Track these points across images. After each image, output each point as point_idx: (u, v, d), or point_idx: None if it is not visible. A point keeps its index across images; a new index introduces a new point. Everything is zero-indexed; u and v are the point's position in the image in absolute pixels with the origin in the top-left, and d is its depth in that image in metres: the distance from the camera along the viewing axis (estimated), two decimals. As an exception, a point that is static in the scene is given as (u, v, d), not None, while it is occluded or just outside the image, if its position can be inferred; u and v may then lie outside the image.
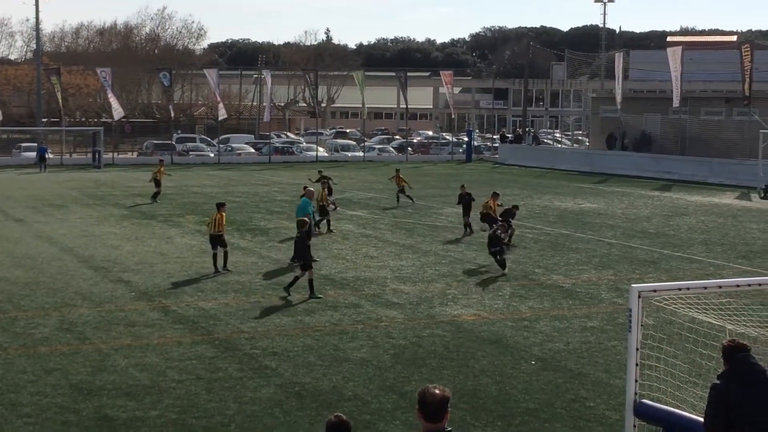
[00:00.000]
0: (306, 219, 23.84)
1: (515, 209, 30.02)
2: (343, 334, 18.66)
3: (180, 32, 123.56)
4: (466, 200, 32.81)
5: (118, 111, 72.15)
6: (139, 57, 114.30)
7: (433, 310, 20.87)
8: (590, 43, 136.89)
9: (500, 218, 28.81)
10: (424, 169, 66.83)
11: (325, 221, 32.95)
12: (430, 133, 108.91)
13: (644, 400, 11.11)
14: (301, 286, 22.11)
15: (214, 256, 25.18)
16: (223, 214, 25.64)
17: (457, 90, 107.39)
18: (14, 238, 30.72)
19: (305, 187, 29.59)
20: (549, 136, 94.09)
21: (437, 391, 7.21)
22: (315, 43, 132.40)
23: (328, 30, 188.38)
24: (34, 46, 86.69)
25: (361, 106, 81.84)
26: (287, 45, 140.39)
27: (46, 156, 63.28)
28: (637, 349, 10.97)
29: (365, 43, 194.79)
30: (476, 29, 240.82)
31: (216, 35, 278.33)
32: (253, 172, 61.46)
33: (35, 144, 71.04)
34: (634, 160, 62.01)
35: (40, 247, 28.99)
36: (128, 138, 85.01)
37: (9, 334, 18.23)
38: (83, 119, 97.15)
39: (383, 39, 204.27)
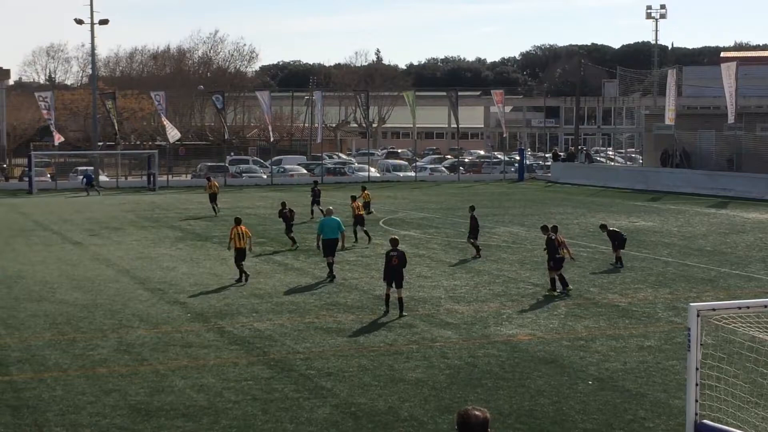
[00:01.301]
0: (397, 237, 23.87)
1: (548, 230, 28.01)
2: (398, 355, 18.65)
3: (232, 55, 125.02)
4: (474, 223, 32.01)
5: (172, 134, 72.93)
6: (192, 80, 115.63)
7: (487, 330, 20.80)
8: (642, 60, 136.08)
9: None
10: (475, 188, 66.72)
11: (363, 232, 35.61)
12: (482, 152, 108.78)
13: (705, 421, 10.97)
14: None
15: (239, 268, 26.79)
16: (244, 227, 27.14)
17: (508, 109, 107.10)
18: (72, 261, 31.14)
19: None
20: (601, 154, 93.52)
21: (477, 413, 7.16)
22: (365, 63, 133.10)
23: (378, 51, 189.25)
24: (90, 71, 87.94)
25: (412, 126, 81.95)
26: (338, 66, 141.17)
27: (93, 182, 64.07)
28: (697, 369, 10.85)
29: (415, 63, 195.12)
30: (526, 48, 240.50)
31: (267, 58, 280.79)
32: (306, 193, 61.64)
33: (91, 168, 72.06)
34: (689, 177, 61.39)
35: (97, 269, 29.35)
36: (182, 160, 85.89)
37: (68, 356, 18.46)
38: (138, 142, 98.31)
39: (433, 59, 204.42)
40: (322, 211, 40.28)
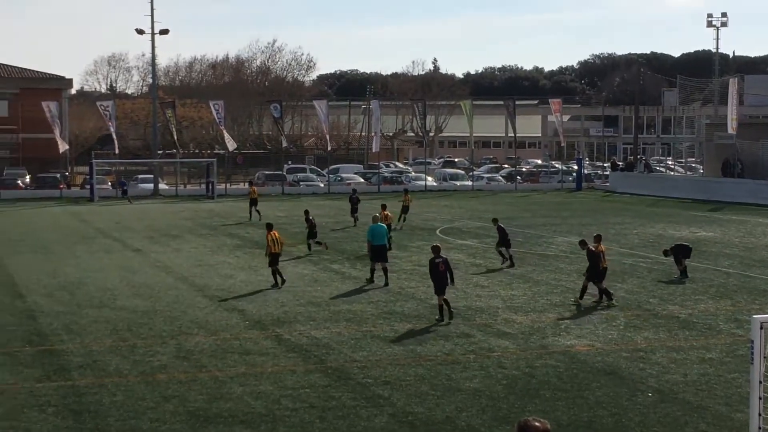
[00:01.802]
0: (439, 245, 24.04)
1: (586, 244, 26.34)
2: (455, 364, 18.60)
3: (290, 64, 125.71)
4: (502, 233, 32.08)
5: (231, 142, 73.56)
6: (251, 89, 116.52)
7: (545, 341, 20.66)
8: (703, 69, 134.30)
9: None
10: (533, 197, 66.39)
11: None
12: (539, 161, 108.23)
13: (769, 435, 10.80)
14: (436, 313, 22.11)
15: (274, 273, 27.51)
16: (276, 233, 27.87)
17: (566, 118, 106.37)
18: (132, 268, 31.51)
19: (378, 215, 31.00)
20: (661, 164, 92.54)
21: (537, 424, 7.10)
22: (422, 72, 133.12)
23: (435, 60, 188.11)
24: (150, 80, 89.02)
25: (468, 135, 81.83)
26: (395, 75, 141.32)
27: (127, 188, 64.95)
28: (760, 382, 10.68)
29: (472, 72, 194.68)
30: (585, 56, 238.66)
31: (325, 67, 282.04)
32: (363, 202, 61.80)
33: (151, 176, 72.94)
34: (751, 188, 60.50)
35: (157, 276, 29.67)
36: (240, 169, 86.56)
37: (129, 362, 18.67)
38: (197, 151, 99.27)
39: (491, 68, 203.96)
40: (356, 218, 42.60)
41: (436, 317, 22.68)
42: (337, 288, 27.42)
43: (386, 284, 27.60)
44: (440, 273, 22.56)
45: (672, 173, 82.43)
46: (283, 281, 27.55)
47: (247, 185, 77.76)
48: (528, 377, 17.66)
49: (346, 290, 26.90)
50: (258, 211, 48.74)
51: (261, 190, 71.13)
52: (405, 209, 45.61)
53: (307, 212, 37.13)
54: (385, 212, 36.59)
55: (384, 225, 29.35)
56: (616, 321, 22.69)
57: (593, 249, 24.99)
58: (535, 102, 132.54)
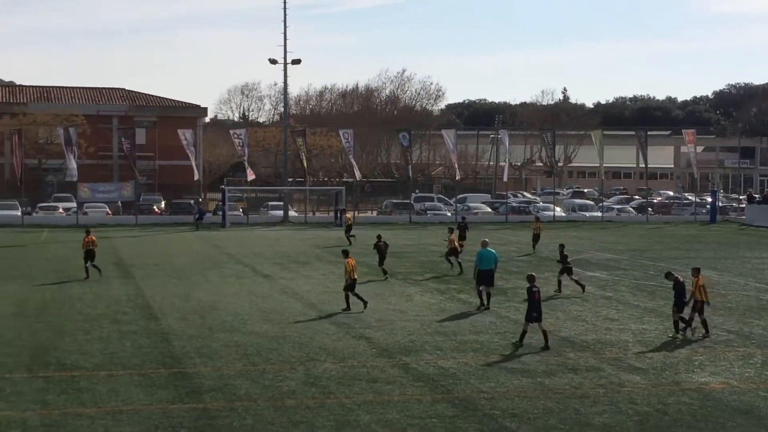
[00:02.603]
0: (534, 274, 24.41)
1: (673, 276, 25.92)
2: (585, 398, 18.28)
3: (419, 93, 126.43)
4: (565, 258, 32.72)
5: (359, 171, 74.29)
6: (380, 118, 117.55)
7: (678, 377, 20.14)
8: None
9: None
10: (665, 230, 65.01)
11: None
12: (671, 193, 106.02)
13: None
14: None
15: (347, 297, 28.22)
16: (352, 260, 28.55)
17: (699, 149, 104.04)
18: (262, 293, 32.02)
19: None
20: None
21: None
22: (552, 102, 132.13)
23: (565, 89, 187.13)
24: (282, 109, 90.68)
25: (598, 165, 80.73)
26: (524, 105, 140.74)
27: (203, 217, 65.76)
28: None
29: (603, 101, 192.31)
30: (720, 86, 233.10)
31: (453, 96, 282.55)
32: (491, 232, 61.60)
33: (281, 203, 74.15)
34: None
35: (286, 302, 30.07)
36: (368, 197, 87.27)
37: (258, 386, 18.93)
38: (325, 179, 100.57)
39: (622, 97, 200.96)
40: (461, 245, 42.59)
41: (514, 341, 23.39)
42: (464, 318, 27.31)
43: (487, 308, 28.60)
44: (536, 301, 23.07)
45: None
46: (365, 303, 28.31)
47: (375, 213, 78.87)
48: (660, 414, 17.23)
49: (474, 320, 26.78)
50: (352, 236, 51.21)
51: (388, 219, 72.13)
52: (536, 237, 46.52)
53: (379, 237, 38.04)
54: (452, 236, 38.86)
55: (492, 251, 29.57)
56: (753, 359, 21.98)
57: (680, 279, 25.02)
58: (668, 132, 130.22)
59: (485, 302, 28.91)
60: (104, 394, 18.26)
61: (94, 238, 36.55)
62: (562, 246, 33.83)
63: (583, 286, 32.48)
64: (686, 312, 24.73)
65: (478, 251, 29.77)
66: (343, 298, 28.43)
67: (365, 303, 28.33)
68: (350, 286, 28.43)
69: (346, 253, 29.17)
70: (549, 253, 46.54)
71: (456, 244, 38.82)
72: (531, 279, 23.69)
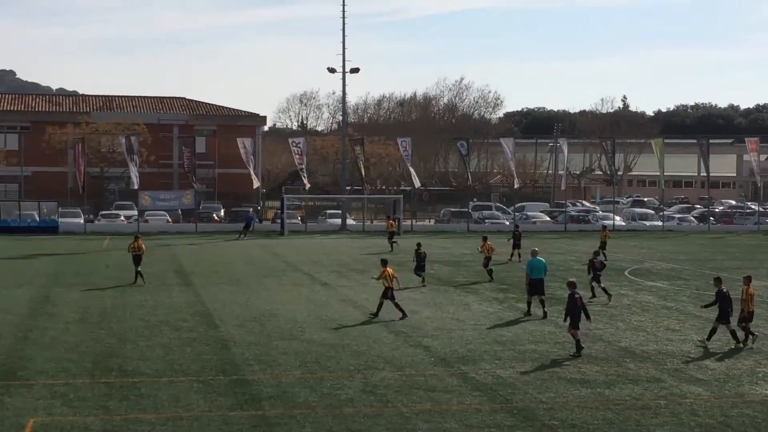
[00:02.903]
0: (574, 280, 24.70)
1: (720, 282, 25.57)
2: (645, 409, 18.07)
3: (477, 102, 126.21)
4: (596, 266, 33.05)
5: (417, 180, 74.30)
6: (437, 126, 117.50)
7: (741, 388, 19.83)
8: None
9: None
10: (727, 239, 64.13)
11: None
12: (733, 202, 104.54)
13: None
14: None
15: (381, 304, 28.38)
16: (390, 269, 28.60)
17: (763, 157, 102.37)
18: (321, 301, 32.13)
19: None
20: None
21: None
22: (611, 110, 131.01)
23: (624, 97, 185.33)
24: (340, 117, 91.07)
25: (659, 174, 79.91)
26: (583, 113, 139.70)
27: (252, 224, 65.74)
28: None
29: (663, 109, 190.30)
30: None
31: (512, 104, 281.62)
32: (549, 240, 61.26)
33: (339, 211, 74.39)
34: None
35: (344, 310, 30.13)
36: (426, 206, 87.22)
37: (317, 394, 18.99)
38: (383, 187, 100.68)
39: (683, 105, 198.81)
40: (519, 254, 45.75)
41: (572, 352, 23.16)
42: (523, 327, 27.16)
43: (545, 316, 28.59)
44: (577, 308, 23.20)
45: None
46: (404, 315, 28.15)
47: (432, 221, 78.82)
48: (723, 426, 16.97)
49: (532, 329, 26.63)
50: (394, 242, 53.63)
51: (446, 227, 72.06)
52: (603, 245, 46.83)
53: (419, 245, 38.18)
54: (489, 243, 39.29)
55: (542, 259, 29.89)
56: (819, 371, 21.57)
57: (724, 291, 24.71)
58: (730, 141, 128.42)
59: (535, 310, 29.01)
60: (165, 400, 18.44)
61: (141, 243, 37.19)
62: (595, 253, 34.17)
63: (609, 296, 32.64)
64: (734, 323, 24.50)
65: (528, 260, 30.13)
66: (399, 308, 28.36)
67: (404, 314, 28.20)
68: (384, 294, 28.51)
69: (384, 262, 29.15)
70: (608, 262, 46.18)
71: (490, 252, 39.09)
72: (572, 285, 23.80)
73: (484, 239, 40.03)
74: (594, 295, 32.66)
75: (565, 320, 23.78)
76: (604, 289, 32.79)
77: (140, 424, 16.78)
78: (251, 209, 70.36)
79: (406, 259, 41.89)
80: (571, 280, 24.55)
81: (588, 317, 23.75)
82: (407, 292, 34.86)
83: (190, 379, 20.16)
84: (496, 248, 40.65)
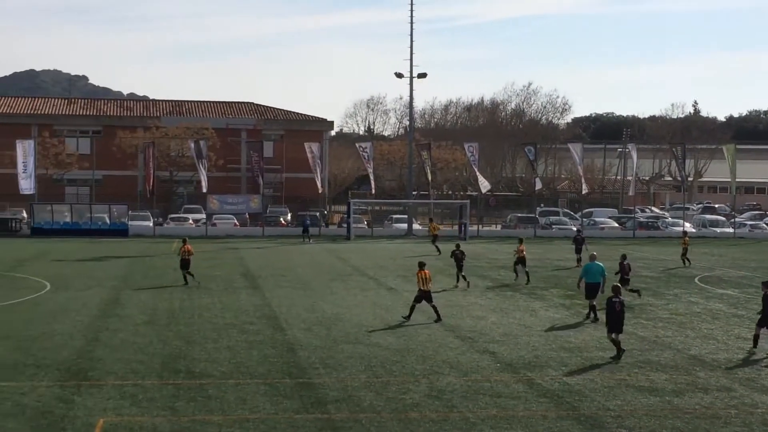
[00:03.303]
0: (620, 285, 24.81)
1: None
2: (715, 419, 17.77)
3: (545, 107, 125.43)
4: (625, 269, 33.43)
5: (484, 184, 74.07)
6: (505, 132, 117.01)
7: (815, 399, 19.39)
8: None
9: None
10: (800, 246, 62.87)
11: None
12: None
13: None
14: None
15: (413, 307, 28.79)
16: (427, 272, 28.81)
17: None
18: (386, 306, 32.13)
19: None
20: None
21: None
22: (682, 116, 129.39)
23: (695, 102, 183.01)
24: (407, 122, 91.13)
25: (730, 180, 78.69)
26: (652, 118, 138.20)
27: (309, 228, 65.73)
28: None
29: (735, 115, 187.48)
30: None
31: (580, 109, 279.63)
32: (617, 247, 60.60)
33: (405, 216, 74.41)
34: None
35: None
36: (493, 211, 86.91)
37: (382, 398, 18.98)
38: (450, 192, 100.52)
39: (756, 111, 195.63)
40: (579, 259, 45.70)
41: (612, 356, 23.22)
42: (590, 334, 26.87)
43: (596, 319, 28.62)
44: (617, 312, 23.01)
45: None
46: (439, 317, 28.51)
47: (499, 227, 78.49)
48: (796, 437, 16.62)
49: (599, 336, 26.31)
50: (437, 247, 53.52)
51: (512, 233, 71.67)
52: (685, 251, 47.97)
53: (457, 245, 38.72)
54: (522, 247, 39.67)
55: (600, 264, 29.74)
56: None
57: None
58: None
59: (596, 315, 28.84)
60: (232, 402, 18.57)
61: (190, 247, 37.91)
62: (623, 256, 34.19)
63: (638, 291, 33.80)
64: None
65: (585, 264, 30.50)
66: (467, 312, 28.29)
67: (438, 317, 28.64)
68: (417, 298, 28.86)
69: (422, 265, 29.25)
70: (679, 269, 45.59)
71: (524, 254, 39.66)
72: (616, 290, 23.63)
73: (520, 241, 40.69)
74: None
75: (606, 325, 23.68)
76: (630, 290, 33.22)
77: (207, 425, 16.92)
78: (307, 214, 70.90)
79: (448, 264, 41.81)
80: (616, 284, 24.46)
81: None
82: (474, 296, 34.76)
83: (256, 382, 20.28)
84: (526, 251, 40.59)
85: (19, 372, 20.98)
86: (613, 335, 23.18)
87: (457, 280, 37.64)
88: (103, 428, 16.66)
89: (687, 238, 49.17)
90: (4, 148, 78.59)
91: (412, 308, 28.86)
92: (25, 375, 20.70)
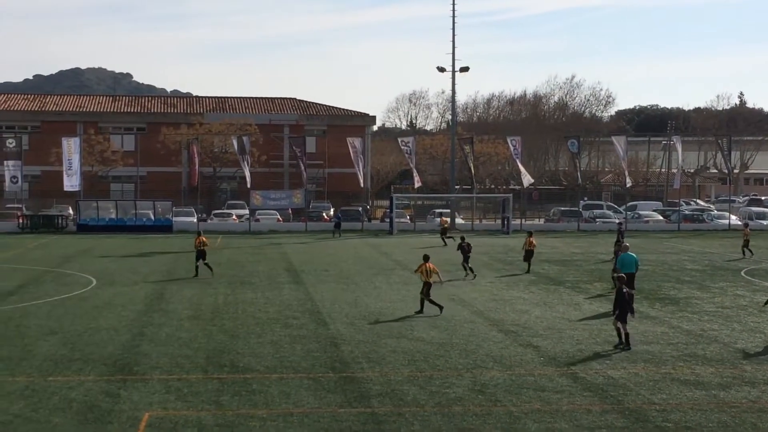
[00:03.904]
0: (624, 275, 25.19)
1: None
2: (762, 413, 17.59)
3: (588, 100, 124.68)
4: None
5: (527, 178, 73.78)
6: (548, 125, 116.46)
7: None
8: None
9: None
10: None
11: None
12: None
13: None
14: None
15: (422, 301, 29.02)
16: (431, 265, 29.02)
17: None
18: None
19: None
20: None
21: None
22: (727, 107, 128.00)
23: (741, 94, 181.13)
24: (449, 116, 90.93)
25: (777, 171, 77.73)
26: (697, 110, 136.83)
27: (340, 223, 65.79)
28: None
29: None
30: None
31: (624, 102, 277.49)
32: (661, 240, 60.18)
33: (448, 210, 74.27)
34: None
35: (453, 309, 30.02)
36: (536, 205, 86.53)
37: (425, 392, 18.99)
38: (492, 186, 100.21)
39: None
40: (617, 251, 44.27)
41: (617, 344, 23.64)
42: (634, 327, 26.66)
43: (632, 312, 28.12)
44: (625, 301, 23.36)
45: None
46: (441, 309, 28.74)
47: (543, 221, 78.15)
48: None
49: (644, 330, 26.15)
50: (450, 238, 55.19)
51: (556, 227, 71.39)
52: (746, 243, 48.52)
53: (463, 238, 40.00)
54: (531, 239, 40.77)
55: (634, 255, 30.22)
56: None
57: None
58: None
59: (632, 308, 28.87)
60: (276, 396, 18.67)
61: (204, 239, 39.44)
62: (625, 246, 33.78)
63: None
64: None
65: (620, 255, 30.60)
66: (510, 306, 28.20)
67: (440, 308, 28.88)
68: (423, 290, 29.15)
69: (426, 258, 29.39)
70: (724, 262, 45.15)
71: (533, 246, 40.89)
72: (622, 280, 24.05)
73: (529, 233, 41.92)
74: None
75: (613, 313, 23.86)
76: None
77: (252, 419, 17.03)
78: (339, 210, 70.99)
79: (456, 256, 42.17)
80: (621, 275, 24.86)
81: (632, 313, 23.76)
82: (517, 290, 34.65)
83: (300, 376, 20.37)
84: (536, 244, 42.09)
85: (66, 367, 21.24)
86: (620, 324, 23.52)
87: (465, 271, 38.81)
88: (148, 422, 16.82)
89: (748, 230, 49.61)
90: (50, 146, 79.59)
91: (422, 301, 29.14)
92: (71, 370, 20.96)
